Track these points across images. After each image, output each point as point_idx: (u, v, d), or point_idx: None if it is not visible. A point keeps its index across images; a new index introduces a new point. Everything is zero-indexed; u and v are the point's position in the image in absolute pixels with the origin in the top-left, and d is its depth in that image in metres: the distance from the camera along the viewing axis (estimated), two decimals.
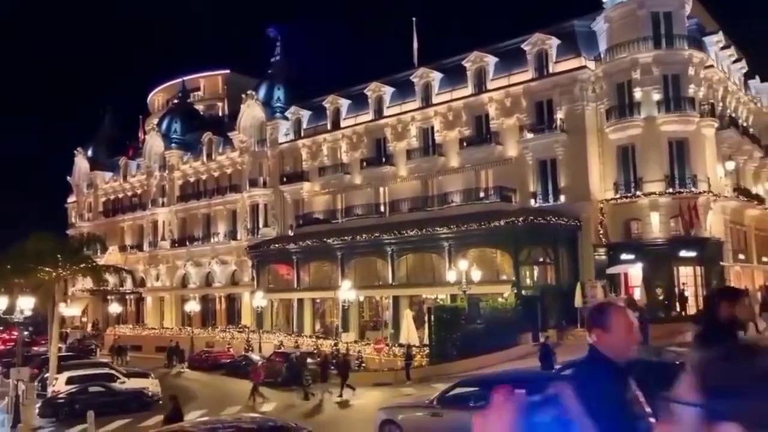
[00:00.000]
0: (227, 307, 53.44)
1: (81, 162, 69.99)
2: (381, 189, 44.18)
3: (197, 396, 27.36)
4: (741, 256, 37.78)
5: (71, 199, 72.14)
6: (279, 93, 52.79)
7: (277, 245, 45.87)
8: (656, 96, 33.60)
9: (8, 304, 28.08)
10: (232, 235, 53.54)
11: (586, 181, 35.17)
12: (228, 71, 73.92)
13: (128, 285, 57.63)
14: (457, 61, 40.80)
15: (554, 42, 36.91)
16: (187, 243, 56.99)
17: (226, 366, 36.37)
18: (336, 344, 33.32)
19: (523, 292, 33.11)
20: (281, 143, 50.82)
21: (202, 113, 67.96)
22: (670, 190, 33.12)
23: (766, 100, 46.60)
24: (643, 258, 33.17)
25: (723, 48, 38.49)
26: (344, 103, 47.52)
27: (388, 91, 44.83)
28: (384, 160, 43.84)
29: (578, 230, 35.09)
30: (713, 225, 33.90)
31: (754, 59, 43.84)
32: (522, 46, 37.90)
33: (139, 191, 63.65)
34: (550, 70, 36.99)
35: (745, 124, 40.62)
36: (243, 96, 53.76)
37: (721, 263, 34.19)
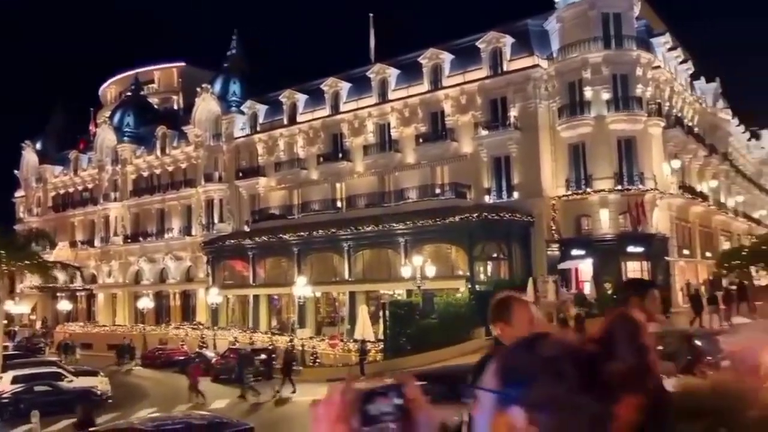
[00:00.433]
0: (182, 304, 52.67)
1: (29, 155, 68.01)
2: (338, 184, 44.16)
3: (149, 394, 26.99)
4: (686, 252, 39.04)
5: (19, 193, 70.01)
6: (235, 87, 52.21)
7: (232, 241, 45.41)
8: (606, 95, 34.43)
9: None
10: (186, 230, 52.78)
11: (538, 177, 35.82)
12: (183, 64, 72.68)
13: (78, 282, 56.29)
14: (413, 58, 41.02)
15: (508, 40, 37.44)
16: (141, 239, 55.95)
17: (179, 363, 35.90)
18: (291, 340, 33.25)
19: (477, 287, 33.51)
20: (237, 138, 50.30)
21: (156, 106, 66.66)
22: (619, 187, 33.98)
23: (710, 100, 48.20)
24: (593, 253, 34.01)
25: (670, 49, 39.64)
26: (301, 98, 47.30)
27: (344, 86, 44.79)
28: (341, 155, 43.81)
29: (531, 226, 35.70)
30: (659, 221, 34.92)
31: (699, 60, 45.35)
32: (477, 44, 38.33)
33: (90, 186, 62.16)
34: (504, 69, 37.52)
35: (690, 124, 41.89)
36: (198, 89, 52.99)
37: (666, 258, 35.24)
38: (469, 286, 33.31)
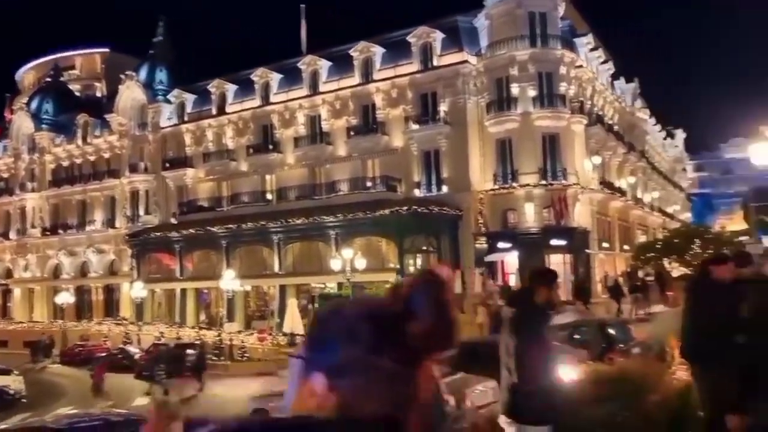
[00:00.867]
0: (105, 299, 50.87)
1: None
2: (268, 176, 43.67)
3: (66, 392, 26.01)
4: (605, 245, 40.75)
5: None
6: (162, 75, 50.71)
7: (158, 233, 44.24)
8: (532, 92, 35.40)
9: None
10: (110, 222, 50.97)
11: (467, 172, 36.51)
12: (107, 50, 70.01)
13: None
14: (344, 51, 40.93)
15: (438, 36, 37.92)
16: (60, 231, 53.62)
17: (101, 360, 34.68)
18: (219, 335, 32.74)
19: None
20: (163, 127, 48.89)
21: (77, 93, 63.93)
22: (544, 182, 35.04)
23: (629, 100, 50.37)
24: (518, 246, 34.95)
25: (592, 50, 41.16)
26: (230, 88, 46.43)
27: (275, 77, 44.27)
28: (271, 147, 43.32)
29: (460, 219, 36.39)
30: (581, 215, 36.26)
31: (619, 62, 47.28)
32: (408, 38, 38.65)
33: (5, 175, 58.98)
34: (435, 63, 37.98)
35: (610, 122, 43.66)
36: (122, 77, 51.17)
37: (587, 251, 36.67)
38: (400, 278, 33.62)
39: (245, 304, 41.09)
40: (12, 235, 56.77)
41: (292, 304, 31.51)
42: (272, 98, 43.97)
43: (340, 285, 33.74)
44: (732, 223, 66.00)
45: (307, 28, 45.09)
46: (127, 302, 46.86)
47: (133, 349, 33.93)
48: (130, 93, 50.08)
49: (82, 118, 53.20)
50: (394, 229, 34.47)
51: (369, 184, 39.29)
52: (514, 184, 35.43)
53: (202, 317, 42.70)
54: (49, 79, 61.88)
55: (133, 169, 49.47)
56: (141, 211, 49.05)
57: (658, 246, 37.38)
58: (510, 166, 35.84)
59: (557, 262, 35.49)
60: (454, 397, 7.56)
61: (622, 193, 43.86)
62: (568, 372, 6.92)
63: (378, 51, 40.09)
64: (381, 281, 34.02)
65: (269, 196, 43.01)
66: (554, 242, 34.81)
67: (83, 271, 52.52)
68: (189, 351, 26.95)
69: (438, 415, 2.81)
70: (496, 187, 36.04)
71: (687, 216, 68.71)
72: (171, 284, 43.50)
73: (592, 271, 36.77)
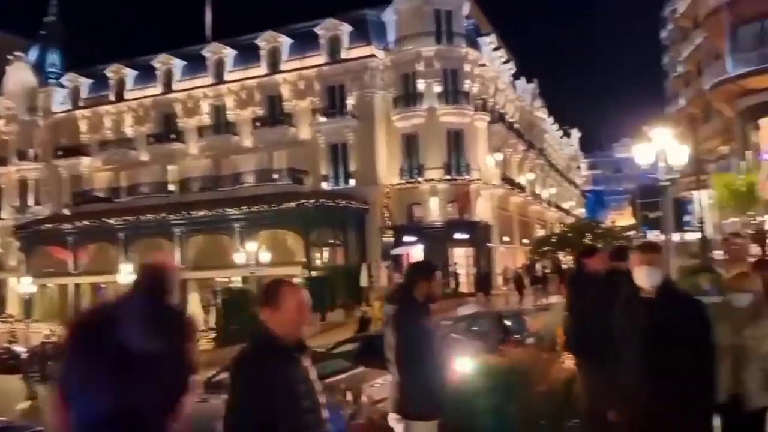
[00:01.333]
0: None
1: None
2: (170, 167, 42.18)
3: None
4: (506, 238, 42.26)
5: None
6: (54, 57, 47.75)
7: (50, 225, 41.69)
8: (437, 88, 36.05)
9: None
10: None
11: (374, 166, 36.76)
12: None
13: None
14: (251, 40, 40.07)
15: (347, 29, 37.86)
16: None
17: None
18: (48, 336, 31.22)
19: (313, 273, 33.83)
20: (56, 113, 46.10)
21: None
22: (448, 177, 35.82)
23: (529, 99, 52.38)
24: (423, 239, 35.57)
25: (495, 49, 42.43)
26: (130, 74, 44.39)
27: (178, 64, 42.73)
28: (173, 136, 41.83)
29: (366, 213, 36.59)
30: (483, 210, 37.39)
31: (521, 62, 49.09)
32: (316, 30, 38.34)
33: None
34: (342, 56, 37.91)
35: (512, 120, 45.25)
36: (10, 57, 47.72)
37: (488, 245, 37.89)
38: (306, 272, 33.48)
39: None
40: None
41: (194, 300, 30.64)
42: (175, 86, 42.43)
43: (244, 279, 33.11)
44: (621, 218, 70.25)
45: (212, 14, 43.81)
46: (15, 298, 43.89)
47: (19, 348, 31.81)
48: (19, 75, 46.83)
49: None
50: (301, 222, 34.18)
51: (275, 176, 38.77)
52: (420, 179, 36.02)
53: None
54: None
55: (22, 156, 46.38)
56: (30, 202, 46.09)
57: (553, 240, 39.18)
58: (416, 161, 36.39)
59: (460, 255, 36.57)
60: (351, 392, 7.63)
61: (522, 189, 45.59)
62: (464, 364, 7.07)
63: (285, 41, 39.53)
64: (287, 275, 33.67)
65: (171, 187, 41.57)
66: (458, 236, 35.71)
67: None
68: None
69: (303, 413, 2.74)
70: (403, 181, 36.51)
71: (581, 211, 72.38)
72: (64, 279, 41.19)
73: (493, 264, 38.02)
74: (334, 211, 34.78)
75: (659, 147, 13.82)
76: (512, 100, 46.73)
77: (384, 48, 37.46)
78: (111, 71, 44.43)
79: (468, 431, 5.33)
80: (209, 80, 41.33)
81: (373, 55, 36.97)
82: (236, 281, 35.09)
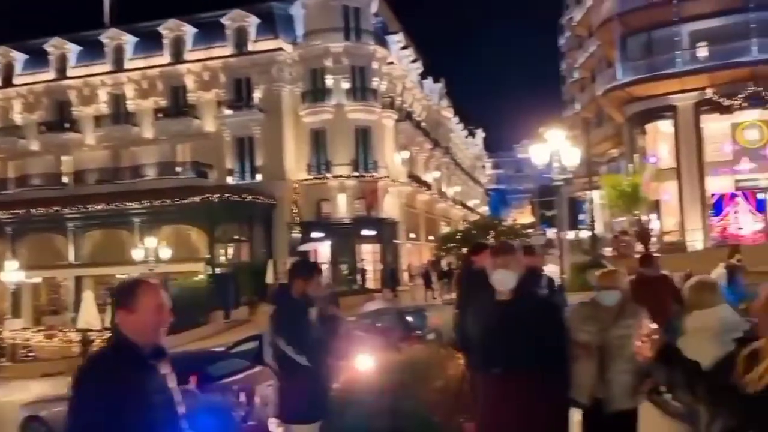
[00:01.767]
0: None
1: None
2: (63, 158, 39.93)
3: None
4: (412, 235, 42.96)
5: None
6: None
7: None
8: (345, 85, 36.09)
9: None
10: None
11: (281, 161, 36.34)
12: None
13: None
14: (153, 27, 38.50)
15: (254, 20, 37.13)
16: None
17: None
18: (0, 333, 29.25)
19: (218, 269, 33.08)
20: None
21: None
22: (356, 173, 35.99)
23: (436, 98, 53.41)
24: (331, 236, 35.63)
25: (403, 48, 42.97)
26: (19, 58, 41.54)
27: (73, 49, 40.41)
28: (68, 125, 39.60)
29: (273, 208, 36.15)
30: (390, 207, 37.83)
31: (429, 62, 49.97)
32: (222, 20, 37.36)
33: None
34: (249, 49, 37.19)
35: (419, 119, 46.01)
36: None
37: (395, 241, 38.41)
38: (209, 268, 32.67)
39: (34, 298, 37.18)
40: None
41: (88, 298, 29.09)
42: (69, 72, 40.13)
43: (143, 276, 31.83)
44: (523, 216, 73.08)
45: None
46: None
47: None
48: None
49: None
50: (205, 217, 33.28)
51: (179, 169, 37.56)
52: (328, 175, 35.97)
53: None
54: None
55: None
56: None
57: (458, 237, 40.13)
58: (324, 157, 36.29)
59: (368, 251, 36.87)
60: (245, 394, 7.52)
61: (429, 186, 46.47)
62: (365, 361, 7.12)
63: (190, 30, 38.28)
64: (189, 271, 32.79)
65: (65, 179, 39.36)
66: (365, 232, 35.99)
67: None
68: None
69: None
70: (310, 177, 36.33)
71: (485, 209, 74.62)
72: None
73: (399, 260, 38.55)
74: (240, 206, 34.10)
75: (553, 148, 14.55)
76: (419, 99, 47.49)
77: (292, 42, 37.06)
78: None
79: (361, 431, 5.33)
80: (107, 67, 39.40)
81: (280, 49, 36.49)
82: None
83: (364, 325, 14.75)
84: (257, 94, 36.68)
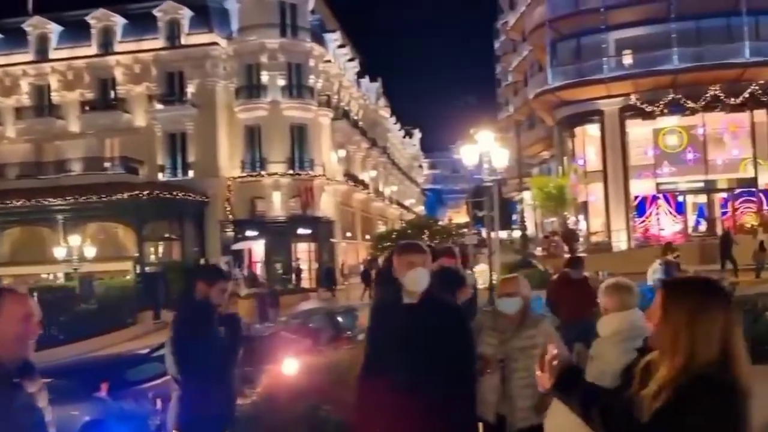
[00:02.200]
0: None
1: None
2: None
3: None
4: (348, 234, 42.92)
5: None
6: None
7: None
8: (281, 82, 35.69)
9: None
10: None
11: (215, 157, 35.65)
12: None
13: None
14: (80, 16, 37.07)
15: (187, 13, 36.21)
16: None
17: None
18: None
19: (146, 268, 32.19)
20: None
21: None
22: (291, 171, 35.64)
23: (373, 98, 53.51)
24: (265, 234, 35.24)
25: (340, 46, 42.88)
26: None
27: None
28: None
29: (206, 206, 35.47)
30: (326, 206, 37.68)
31: (366, 61, 50.01)
32: (154, 12, 36.28)
33: None
34: (182, 42, 36.27)
35: (356, 118, 45.98)
36: None
37: (331, 240, 38.27)
38: (137, 267, 31.74)
39: None
40: None
41: None
42: None
43: (67, 275, 30.62)
44: (458, 216, 74.15)
45: None
46: None
47: None
48: None
49: None
50: (133, 214, 32.39)
51: (107, 164, 36.35)
52: (263, 173, 35.52)
53: None
54: None
55: None
56: None
57: (394, 236, 40.32)
58: (258, 154, 35.82)
59: (302, 250, 36.60)
60: (161, 400, 7.29)
61: (365, 185, 46.52)
62: (290, 365, 7.03)
63: (119, 21, 37.04)
64: (116, 270, 31.80)
65: None
66: (300, 231, 35.73)
67: None
68: None
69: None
70: (245, 174, 35.80)
71: (421, 209, 75.32)
72: None
73: (336, 259, 38.44)
74: (171, 203, 33.29)
75: (483, 149, 14.80)
76: (356, 97, 47.47)
77: (227, 37, 36.36)
78: None
79: None
80: (30, 57, 37.69)
81: (215, 43, 35.76)
82: (58, 277, 32.39)
83: (295, 325, 14.65)
84: (190, 89, 35.86)
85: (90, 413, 7.32)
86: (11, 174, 36.81)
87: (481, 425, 3.79)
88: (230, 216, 35.67)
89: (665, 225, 30.73)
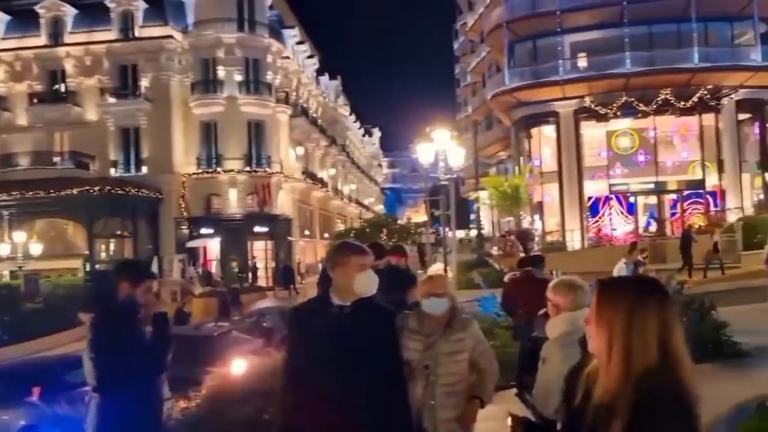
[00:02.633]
0: None
1: None
2: None
3: None
4: (306, 232, 42.61)
5: None
6: None
7: None
8: (238, 77, 35.21)
9: None
10: None
11: (169, 153, 34.97)
12: None
13: None
14: (28, 5, 35.87)
15: (141, 5, 35.38)
16: None
17: None
18: None
19: (97, 266, 31.33)
20: None
21: None
22: (248, 168, 35.21)
23: (332, 96, 53.27)
24: (221, 232, 34.72)
25: (299, 43, 42.52)
26: None
27: None
28: None
29: (160, 203, 34.79)
30: (284, 204, 37.32)
31: (326, 59, 49.71)
32: (106, 2, 35.35)
33: None
34: (136, 34, 35.44)
35: (314, 115, 45.66)
36: None
37: (289, 238, 37.93)
38: (88, 265, 30.88)
39: None
40: None
41: None
42: None
43: (12, 273, 29.56)
44: (417, 215, 74.42)
45: None
46: None
47: None
48: None
49: None
50: (84, 210, 31.61)
51: (56, 159, 35.36)
52: (219, 169, 35.01)
53: None
54: None
55: None
56: None
57: (352, 235, 40.21)
58: (215, 150, 35.26)
59: (259, 248, 36.16)
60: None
61: (324, 183, 46.26)
62: (239, 365, 6.84)
63: (70, 11, 35.99)
64: (66, 268, 30.91)
65: None
66: (257, 229, 35.31)
67: None
68: None
69: None
70: (200, 171, 35.23)
71: (380, 208, 75.39)
72: None
73: (293, 257, 38.11)
74: (124, 199, 32.57)
75: (440, 148, 14.81)
76: (315, 95, 47.14)
77: (182, 30, 35.66)
78: None
79: None
80: None
81: (170, 36, 35.02)
82: (4, 275, 31.26)
83: (248, 325, 14.41)
84: (144, 83, 35.08)
85: (23, 418, 7.02)
86: None
87: None
88: (185, 213, 35.06)
89: (617, 225, 31.37)
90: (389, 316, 3.23)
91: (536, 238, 30.18)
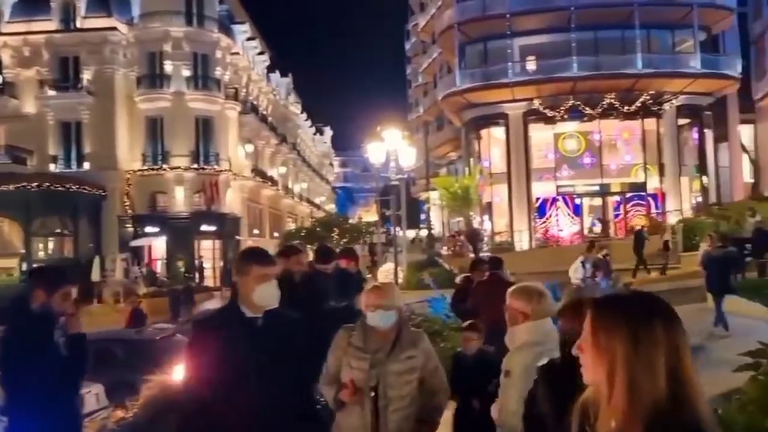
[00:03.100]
0: None
1: None
2: None
3: None
4: (256, 231, 42.00)
5: None
6: None
7: None
8: (186, 72, 34.45)
9: None
10: None
11: (113, 149, 33.97)
12: None
13: None
14: None
15: None
16: None
17: None
18: None
19: (34, 266, 30.06)
20: None
21: None
22: (195, 165, 34.50)
23: (283, 93, 52.70)
24: (167, 231, 33.91)
25: (249, 39, 41.89)
26: None
27: None
28: None
29: (103, 200, 33.80)
30: (232, 202, 36.70)
31: (277, 56, 49.10)
32: None
33: None
34: (78, 25, 34.29)
35: (264, 113, 45.06)
36: None
37: (237, 237, 37.29)
38: (24, 265, 29.68)
39: None
40: None
41: None
42: None
43: None
44: (369, 214, 74.42)
45: None
46: None
47: None
48: None
49: None
50: (20, 207, 30.47)
51: None
52: (165, 166, 34.20)
53: None
54: None
55: None
56: None
57: (303, 234, 39.86)
58: (161, 147, 34.43)
59: (206, 247, 35.47)
60: None
61: (274, 182, 45.71)
62: (180, 371, 6.58)
63: (7, 0, 34.44)
64: (1, 268, 29.66)
65: None
66: (205, 228, 34.65)
67: None
68: None
69: None
70: (145, 167, 34.37)
71: (332, 207, 75.07)
72: None
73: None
74: (64, 196, 31.47)
75: (390, 147, 14.76)
76: (266, 92, 46.53)
77: (127, 22, 34.67)
78: None
79: None
80: None
81: (114, 28, 33.99)
82: None
83: (188, 328, 14.00)
84: (86, 76, 33.99)
85: None
86: None
87: None
88: (129, 211, 34.17)
89: (564, 226, 32.01)
90: (298, 324, 3.06)
91: (485, 239, 30.51)
